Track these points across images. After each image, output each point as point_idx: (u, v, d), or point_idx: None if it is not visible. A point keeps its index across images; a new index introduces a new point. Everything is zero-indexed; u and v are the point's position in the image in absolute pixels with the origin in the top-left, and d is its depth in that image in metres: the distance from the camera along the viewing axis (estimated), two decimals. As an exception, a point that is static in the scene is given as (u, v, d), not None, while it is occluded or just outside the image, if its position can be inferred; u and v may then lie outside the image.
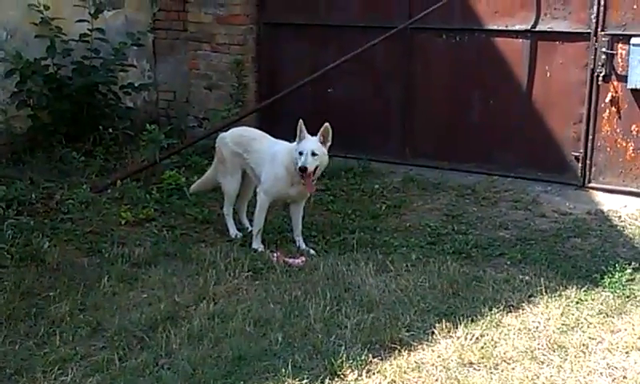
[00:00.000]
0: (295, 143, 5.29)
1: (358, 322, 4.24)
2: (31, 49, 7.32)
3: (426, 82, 7.46)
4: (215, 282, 4.77)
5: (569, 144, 6.87)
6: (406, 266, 5.10)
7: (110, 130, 7.48)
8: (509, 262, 5.22)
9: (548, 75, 6.86)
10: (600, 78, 6.58)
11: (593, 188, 6.75)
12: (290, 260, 5.22)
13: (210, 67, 8.32)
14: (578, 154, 6.80)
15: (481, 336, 4.11)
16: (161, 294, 4.64)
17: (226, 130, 6.10)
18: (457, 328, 4.19)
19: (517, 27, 6.93)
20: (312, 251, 5.40)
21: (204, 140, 7.38)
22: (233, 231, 5.74)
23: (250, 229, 5.74)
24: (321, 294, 4.58)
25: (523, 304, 4.50)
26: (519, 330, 4.21)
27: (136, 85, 8.14)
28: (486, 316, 4.33)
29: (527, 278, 4.89)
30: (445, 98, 7.41)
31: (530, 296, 4.60)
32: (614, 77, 6.54)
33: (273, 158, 5.42)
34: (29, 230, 5.45)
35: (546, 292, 4.62)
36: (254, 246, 5.48)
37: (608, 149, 6.69)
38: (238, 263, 5.05)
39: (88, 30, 7.60)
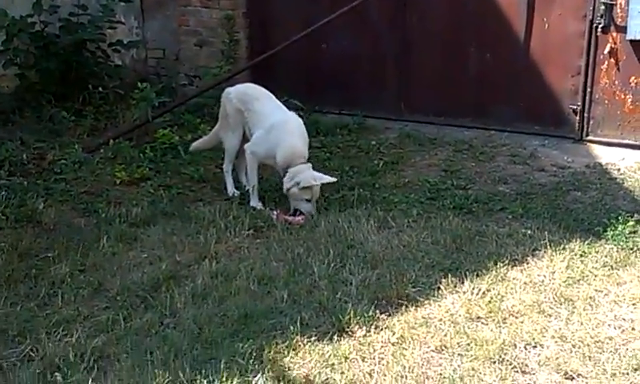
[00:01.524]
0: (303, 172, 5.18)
1: (363, 279, 4.21)
2: (17, 6, 7.14)
3: (422, 36, 7.30)
4: (216, 241, 4.72)
5: (566, 97, 6.81)
6: (408, 221, 5.06)
7: (100, 89, 7.35)
8: (510, 217, 5.18)
9: (546, 27, 6.76)
10: (599, 29, 6.48)
11: (591, 141, 6.71)
12: (291, 218, 5.16)
13: (199, 23, 8.12)
14: (575, 106, 6.74)
15: (487, 290, 4.09)
16: (161, 254, 4.58)
17: (231, 85, 5.96)
18: (462, 283, 4.17)
19: (514, -22, 6.81)
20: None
21: (196, 98, 7.27)
22: (231, 189, 5.66)
23: (247, 187, 5.66)
24: (324, 251, 4.54)
25: (527, 258, 4.48)
26: (525, 283, 4.19)
27: (125, 42, 7.96)
28: (491, 270, 4.31)
29: (530, 232, 4.86)
30: (441, 51, 7.28)
31: (533, 250, 4.58)
32: (612, 28, 6.45)
33: (269, 129, 5.35)
34: (22, 191, 5.38)
35: (549, 245, 4.60)
36: (252, 203, 5.41)
37: (606, 101, 6.63)
38: (237, 221, 4.99)
39: (75, -15, 7.41)
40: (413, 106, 7.50)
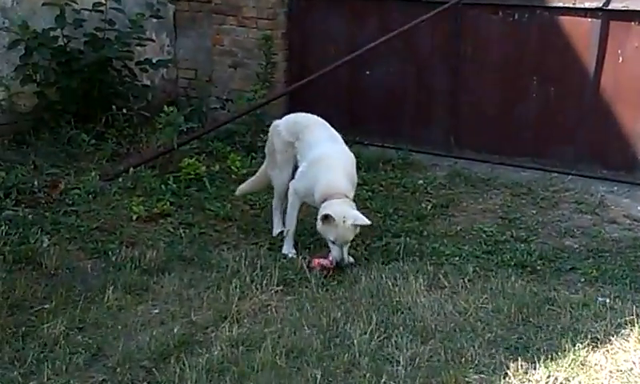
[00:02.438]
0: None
1: (412, 356, 3.50)
2: (39, 18, 6.63)
3: (477, 66, 6.64)
4: (239, 297, 4.04)
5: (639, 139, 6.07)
6: (463, 281, 4.34)
7: (124, 111, 6.78)
8: (583, 279, 4.44)
9: (620, 60, 6.03)
10: (681, 65, 5.75)
11: (668, 190, 5.95)
12: (324, 261, 4.44)
13: (235, 43, 7.55)
14: (650, 150, 6.00)
15: (566, 380, 3.35)
16: (175, 310, 3.93)
17: (268, 114, 5.32)
18: (534, 368, 3.43)
19: (586, 5, 6.08)
20: (351, 259, 4.62)
21: (227, 124, 6.66)
22: (276, 230, 5.00)
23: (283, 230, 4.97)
24: (365, 317, 3.84)
25: (610, 337, 3.72)
26: (610, 372, 3.44)
27: (154, 61, 7.41)
28: (568, 352, 3.56)
29: (609, 301, 4.11)
30: (498, 83, 6.58)
31: (616, 326, 3.82)
32: (697, 63, 5.72)
33: (311, 163, 4.67)
34: (26, 224, 4.78)
35: (636, 322, 3.83)
36: (285, 250, 4.75)
37: (686, 146, 5.88)
38: (265, 273, 4.32)
39: (102, -2, 6.88)
40: (464, 141, 6.81)
